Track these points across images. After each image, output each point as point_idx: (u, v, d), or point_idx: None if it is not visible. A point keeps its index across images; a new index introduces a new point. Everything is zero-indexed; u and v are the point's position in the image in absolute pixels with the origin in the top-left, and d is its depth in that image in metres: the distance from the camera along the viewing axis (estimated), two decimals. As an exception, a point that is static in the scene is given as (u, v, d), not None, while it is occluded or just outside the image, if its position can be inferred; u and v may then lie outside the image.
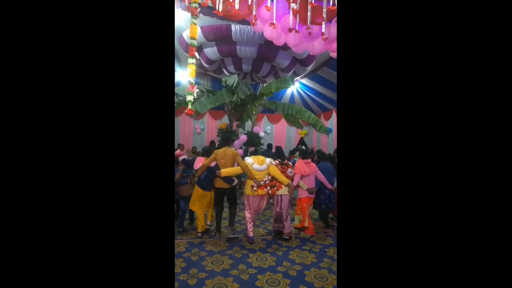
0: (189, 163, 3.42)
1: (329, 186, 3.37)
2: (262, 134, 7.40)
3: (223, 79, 7.06)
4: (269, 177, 3.07)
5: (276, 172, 3.06)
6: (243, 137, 6.48)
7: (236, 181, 3.24)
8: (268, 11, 2.61)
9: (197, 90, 3.88)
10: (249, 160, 3.11)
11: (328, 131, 7.42)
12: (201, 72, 7.20)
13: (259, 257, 2.68)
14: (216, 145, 6.59)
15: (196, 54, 2.86)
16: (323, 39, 2.81)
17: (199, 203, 3.18)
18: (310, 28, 2.70)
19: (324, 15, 2.52)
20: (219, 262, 2.54)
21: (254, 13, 2.63)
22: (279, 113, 7.96)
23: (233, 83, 6.66)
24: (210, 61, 6.08)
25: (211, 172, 3.10)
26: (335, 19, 2.76)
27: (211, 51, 5.64)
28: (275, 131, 10.51)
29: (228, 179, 3.11)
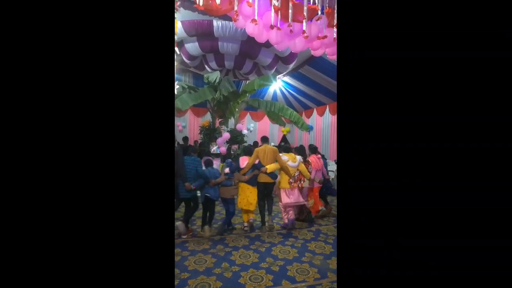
0: (232, 166, 3.40)
1: (327, 177, 4.26)
2: (245, 131, 7.39)
3: (205, 75, 6.95)
4: (298, 172, 3.53)
5: (303, 168, 3.59)
6: (226, 135, 6.43)
7: (279, 176, 3.50)
8: (250, 7, 2.58)
9: (177, 86, 3.78)
10: (284, 157, 3.47)
11: (309, 128, 7.55)
12: (182, 68, 7.04)
13: (242, 254, 2.68)
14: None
15: (177, 49, 2.78)
16: (304, 37, 2.84)
17: (249, 199, 3.34)
18: (291, 26, 2.71)
19: (305, 13, 2.54)
20: (202, 261, 2.51)
21: (235, 8, 2.60)
22: (262, 111, 7.98)
23: (216, 79, 6.57)
24: (191, 57, 5.94)
25: (256, 169, 3.34)
26: (316, 17, 2.79)
27: (193, 47, 5.51)
28: (258, 128, 10.54)
29: (272, 174, 3.40)
